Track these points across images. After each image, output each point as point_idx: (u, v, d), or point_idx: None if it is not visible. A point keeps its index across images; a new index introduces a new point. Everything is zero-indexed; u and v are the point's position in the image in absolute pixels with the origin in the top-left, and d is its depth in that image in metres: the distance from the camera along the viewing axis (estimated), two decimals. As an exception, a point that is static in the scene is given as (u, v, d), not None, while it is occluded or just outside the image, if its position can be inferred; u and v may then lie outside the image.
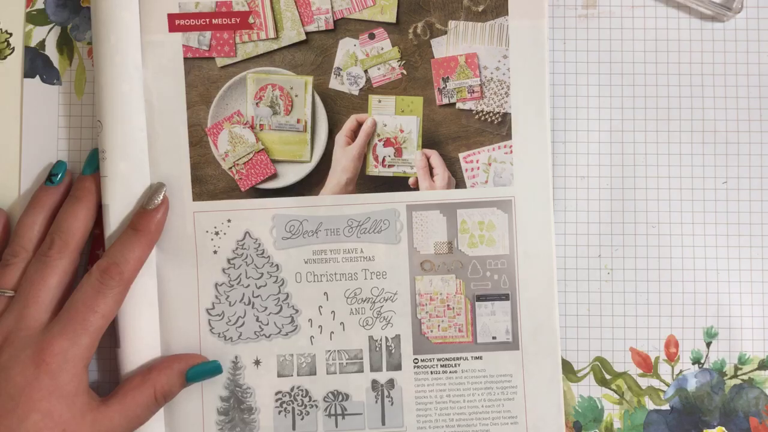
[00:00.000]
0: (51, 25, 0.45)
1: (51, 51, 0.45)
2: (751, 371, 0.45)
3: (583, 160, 0.45)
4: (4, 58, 0.44)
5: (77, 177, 0.43)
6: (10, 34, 0.45)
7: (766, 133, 0.45)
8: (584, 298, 0.45)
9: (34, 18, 0.45)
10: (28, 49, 0.45)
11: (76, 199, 0.42)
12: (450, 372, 0.44)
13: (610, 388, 0.45)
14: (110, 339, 0.43)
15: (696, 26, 0.45)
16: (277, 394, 0.43)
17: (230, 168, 0.43)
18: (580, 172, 0.45)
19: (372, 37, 0.43)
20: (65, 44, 0.45)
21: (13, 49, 0.45)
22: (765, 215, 0.45)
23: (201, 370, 0.42)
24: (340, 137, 0.44)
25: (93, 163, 0.43)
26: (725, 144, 0.45)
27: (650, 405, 0.45)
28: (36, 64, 0.45)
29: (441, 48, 0.43)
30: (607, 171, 0.45)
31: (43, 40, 0.45)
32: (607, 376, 0.45)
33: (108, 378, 0.45)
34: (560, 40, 0.45)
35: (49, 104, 0.45)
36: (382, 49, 0.43)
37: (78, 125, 0.45)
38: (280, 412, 0.43)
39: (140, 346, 0.43)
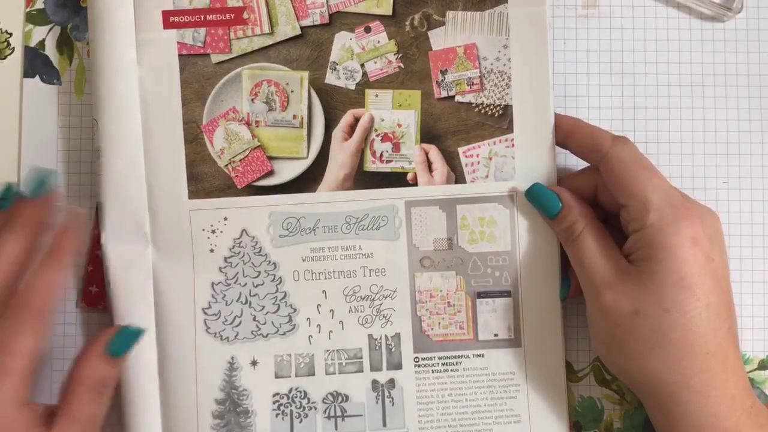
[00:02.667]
0: (51, 25, 0.45)
1: (51, 51, 0.45)
2: (751, 371, 0.44)
3: (572, 161, 0.44)
4: (4, 58, 0.44)
5: (58, 230, 0.40)
6: (10, 34, 0.44)
7: (766, 133, 0.45)
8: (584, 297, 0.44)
9: (34, 18, 0.45)
10: (27, 49, 0.45)
11: (51, 260, 0.38)
12: (451, 370, 0.43)
13: (610, 389, 0.44)
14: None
15: (696, 26, 0.45)
16: (274, 396, 0.42)
17: (226, 165, 0.43)
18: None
19: (368, 30, 0.43)
20: (65, 44, 0.45)
21: (13, 49, 0.44)
22: (765, 215, 0.45)
23: (121, 341, 0.39)
24: (337, 133, 0.43)
25: (39, 185, 0.39)
26: (725, 144, 0.45)
27: None
28: (36, 64, 0.45)
29: (439, 39, 0.43)
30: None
31: (43, 40, 0.45)
32: (608, 377, 0.44)
33: (106, 378, 0.44)
34: (560, 40, 0.45)
35: (48, 104, 0.45)
36: (379, 42, 0.43)
37: (78, 125, 0.45)
38: (277, 415, 0.42)
39: (136, 346, 0.42)
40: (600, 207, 0.41)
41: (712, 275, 0.37)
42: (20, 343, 0.36)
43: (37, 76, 0.45)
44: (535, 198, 0.41)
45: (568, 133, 0.41)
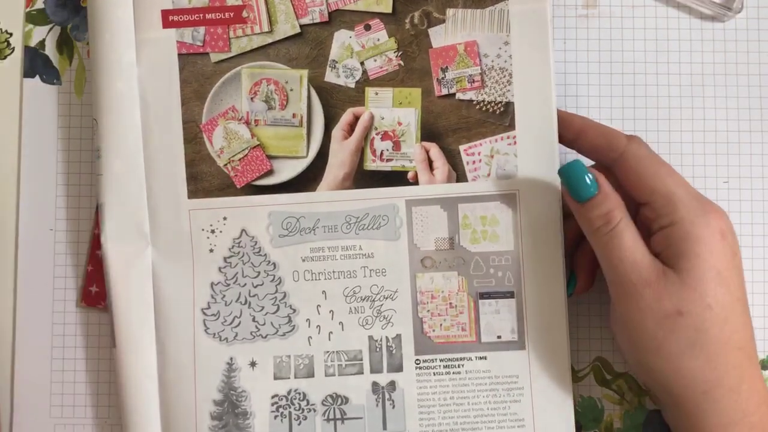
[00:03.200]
0: (51, 25, 0.45)
1: (51, 51, 0.45)
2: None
3: (583, 160, 0.42)
4: (4, 57, 0.45)
5: None
6: (10, 34, 0.45)
7: (766, 133, 0.45)
8: (585, 297, 0.43)
9: (34, 18, 0.45)
10: (27, 49, 0.45)
11: None
12: (453, 373, 0.42)
13: (610, 389, 0.44)
14: (108, 339, 0.42)
15: (696, 26, 0.45)
16: (273, 397, 0.42)
17: (225, 164, 0.43)
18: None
19: (368, 28, 0.42)
20: (65, 44, 0.45)
21: (13, 49, 0.45)
22: (765, 215, 0.45)
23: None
24: (337, 131, 0.42)
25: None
26: (725, 144, 0.45)
27: (650, 405, 0.44)
28: (36, 64, 0.45)
29: (439, 37, 0.42)
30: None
31: (43, 40, 0.45)
32: (608, 377, 0.44)
33: (107, 378, 0.44)
34: (560, 40, 0.45)
35: (48, 104, 0.45)
36: (378, 40, 0.42)
37: (78, 125, 0.45)
38: (276, 417, 0.42)
39: (136, 346, 0.42)
40: None
41: (738, 270, 0.37)
42: None
43: (37, 76, 0.45)
44: (570, 175, 0.38)
45: (579, 133, 0.40)
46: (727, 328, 0.36)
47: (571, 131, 0.40)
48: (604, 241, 0.37)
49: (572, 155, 0.41)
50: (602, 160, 0.40)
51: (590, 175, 0.37)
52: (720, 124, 0.45)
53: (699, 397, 0.36)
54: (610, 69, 0.45)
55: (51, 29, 0.45)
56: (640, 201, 0.38)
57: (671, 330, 0.36)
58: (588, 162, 0.41)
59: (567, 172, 0.38)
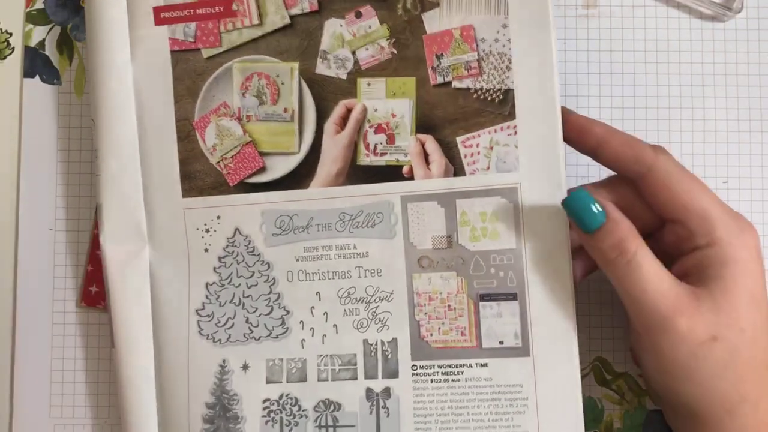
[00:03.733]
0: (51, 25, 0.46)
1: (51, 51, 0.45)
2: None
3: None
4: (4, 58, 0.45)
5: None
6: (10, 34, 0.45)
7: (766, 133, 0.44)
8: (584, 297, 0.41)
9: (34, 18, 0.46)
10: (27, 49, 0.45)
11: None
12: (452, 381, 0.39)
13: (610, 389, 0.43)
14: (108, 339, 0.42)
15: (696, 26, 0.45)
16: (264, 402, 0.40)
17: (218, 162, 0.42)
18: (581, 172, 0.43)
19: (359, 15, 0.40)
20: (65, 44, 0.45)
21: (13, 49, 0.45)
22: (765, 215, 0.44)
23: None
24: (329, 126, 0.41)
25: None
26: (725, 144, 0.44)
27: (650, 405, 0.43)
28: (36, 64, 0.45)
29: (434, 22, 0.39)
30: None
31: (43, 40, 0.45)
32: (608, 377, 0.43)
33: (107, 378, 0.44)
34: (560, 40, 0.44)
35: (48, 104, 0.45)
36: (370, 27, 0.40)
37: (78, 125, 0.45)
38: (267, 422, 0.40)
39: (134, 347, 0.41)
40: None
41: (765, 289, 0.35)
42: None
43: (37, 76, 0.45)
44: (575, 206, 0.36)
45: (601, 142, 0.37)
46: (756, 348, 0.35)
47: (592, 139, 0.37)
48: (621, 274, 0.35)
49: (573, 154, 0.38)
50: (627, 173, 0.37)
51: (597, 204, 0.35)
52: (720, 124, 0.44)
53: (723, 414, 0.35)
54: (610, 69, 0.44)
55: (51, 29, 0.45)
56: (670, 218, 0.36)
57: (705, 357, 0.34)
58: (587, 166, 0.37)
59: (571, 203, 0.36)
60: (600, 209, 0.35)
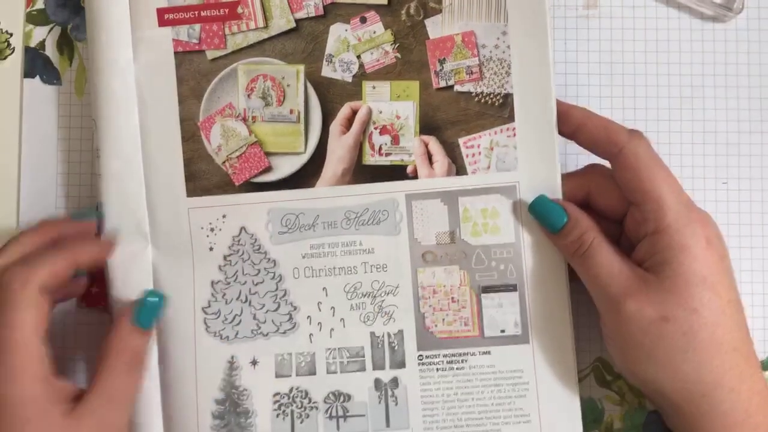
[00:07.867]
0: (51, 25, 0.45)
1: (51, 51, 0.45)
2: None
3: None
4: (4, 58, 0.45)
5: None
6: (10, 34, 0.45)
7: (766, 133, 0.45)
8: (585, 298, 0.42)
9: (34, 18, 0.45)
10: (28, 49, 0.45)
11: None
12: (457, 369, 0.41)
13: (611, 389, 0.44)
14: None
15: (696, 26, 0.45)
16: (275, 396, 0.41)
17: (224, 162, 0.42)
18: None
19: (363, 20, 0.42)
20: (65, 44, 0.45)
21: (13, 49, 0.45)
22: (765, 215, 0.45)
23: (145, 313, 0.40)
24: (335, 127, 0.42)
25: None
26: (725, 144, 0.45)
27: (651, 406, 0.44)
28: (36, 64, 0.45)
29: (436, 28, 0.41)
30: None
31: (43, 41, 0.45)
32: (608, 377, 0.44)
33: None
34: (560, 40, 0.45)
35: (49, 104, 0.45)
36: (375, 32, 0.42)
37: (78, 125, 0.45)
38: (278, 415, 0.41)
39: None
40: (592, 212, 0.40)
41: (727, 273, 0.37)
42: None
43: (38, 76, 0.45)
44: (540, 211, 0.40)
45: (579, 125, 0.40)
46: (718, 331, 0.36)
47: (571, 123, 0.40)
48: (581, 262, 0.39)
49: (571, 147, 0.41)
50: (601, 154, 0.39)
51: (557, 206, 0.39)
52: (720, 124, 0.45)
53: (698, 400, 0.36)
54: (610, 69, 0.45)
55: (51, 29, 0.45)
56: (631, 201, 0.38)
57: (658, 336, 0.36)
58: (577, 155, 0.40)
59: (535, 207, 0.40)
60: (561, 211, 0.39)
